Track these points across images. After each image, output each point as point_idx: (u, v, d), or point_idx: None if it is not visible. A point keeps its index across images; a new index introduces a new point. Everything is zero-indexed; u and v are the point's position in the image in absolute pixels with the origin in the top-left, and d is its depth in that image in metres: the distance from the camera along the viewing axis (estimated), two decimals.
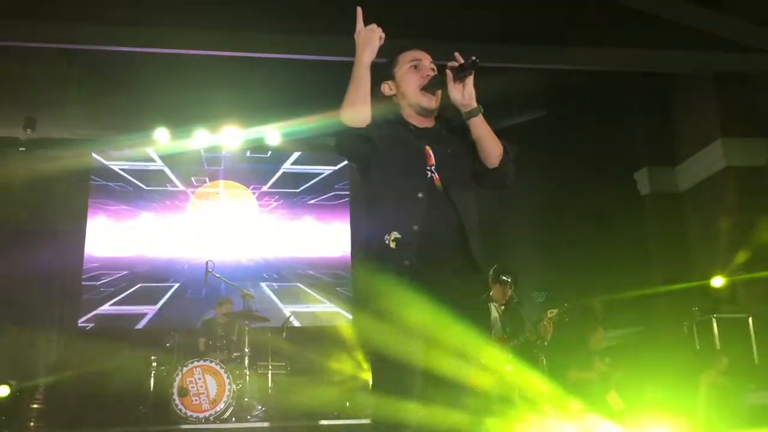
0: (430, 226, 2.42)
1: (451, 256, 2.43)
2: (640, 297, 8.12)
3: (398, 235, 2.40)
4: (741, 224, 7.51)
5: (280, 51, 6.50)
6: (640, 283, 8.31)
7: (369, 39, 2.46)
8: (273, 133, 9.21)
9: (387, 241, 2.40)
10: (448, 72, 2.44)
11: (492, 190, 2.63)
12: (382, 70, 2.64)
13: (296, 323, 8.37)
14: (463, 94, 2.46)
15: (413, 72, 2.58)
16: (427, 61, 2.61)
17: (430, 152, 2.51)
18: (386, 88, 2.64)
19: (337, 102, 2.48)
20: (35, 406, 6.97)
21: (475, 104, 2.48)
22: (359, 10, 2.48)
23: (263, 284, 9.55)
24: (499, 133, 2.59)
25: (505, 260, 5.89)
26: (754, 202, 7.56)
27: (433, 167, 2.49)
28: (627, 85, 8.70)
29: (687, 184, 8.39)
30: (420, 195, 2.44)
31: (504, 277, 5.54)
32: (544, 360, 5.17)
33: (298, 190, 10.07)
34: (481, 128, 2.52)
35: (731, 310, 6.93)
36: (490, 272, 5.78)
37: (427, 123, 2.59)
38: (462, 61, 2.43)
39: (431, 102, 2.55)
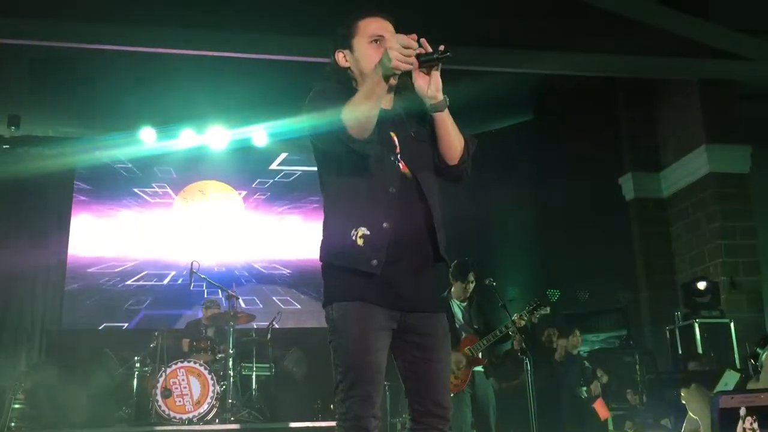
0: (400, 223, 2.26)
1: (418, 253, 2.29)
2: (623, 301, 8.20)
3: (366, 232, 2.23)
4: (724, 230, 7.59)
5: (268, 51, 6.51)
6: (624, 287, 8.38)
7: (411, 58, 2.15)
8: (260, 134, 9.19)
9: (354, 238, 2.23)
10: (414, 60, 2.17)
11: (447, 182, 2.45)
12: (337, 37, 2.42)
13: (281, 324, 8.33)
14: (429, 84, 2.25)
15: (374, 47, 2.33)
16: (389, 36, 2.35)
17: (395, 138, 2.33)
18: (341, 58, 2.41)
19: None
20: (17, 405, 6.91)
21: (441, 97, 2.27)
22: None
23: (248, 285, 9.52)
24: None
25: (466, 257, 5.72)
26: (737, 208, 7.64)
27: (399, 155, 2.33)
28: (612, 91, 8.78)
29: (671, 189, 8.46)
30: (392, 190, 2.27)
31: (488, 281, 5.50)
32: (529, 365, 5.15)
33: (284, 191, 10.05)
34: (445, 123, 2.34)
35: (713, 315, 6.99)
36: (451, 269, 5.63)
37: (386, 104, 2.34)
38: (429, 49, 2.17)
39: (393, 80, 2.26)
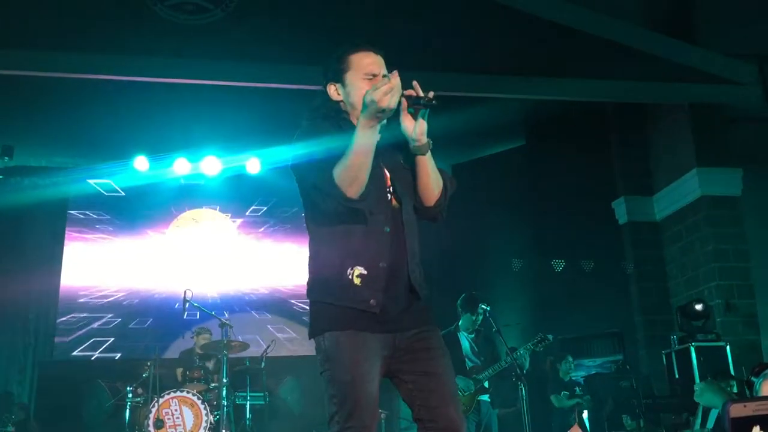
0: (394, 261, 2.27)
1: (405, 288, 2.30)
2: (619, 325, 8.18)
3: (363, 271, 2.23)
4: (717, 253, 7.60)
5: (262, 80, 6.54)
6: (619, 310, 8.37)
7: (393, 102, 2.12)
8: (253, 162, 9.20)
9: (350, 277, 2.23)
10: (403, 101, 2.20)
11: (421, 220, 2.45)
12: (329, 70, 2.43)
13: (275, 353, 8.27)
14: (415, 127, 2.26)
15: (368, 82, 2.32)
16: (381, 72, 2.37)
17: (386, 172, 2.35)
18: (334, 91, 2.42)
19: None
20: None
21: (425, 140, 2.29)
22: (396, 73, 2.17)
23: (242, 313, 9.47)
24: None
25: (474, 289, 5.87)
26: (730, 231, 7.66)
27: (390, 189, 2.34)
28: (604, 116, 8.84)
29: (664, 213, 8.48)
30: (387, 229, 2.29)
31: (483, 306, 5.53)
32: (524, 389, 5.15)
33: (278, 219, 10.04)
34: (426, 166, 2.34)
35: (709, 338, 6.97)
36: (459, 302, 5.76)
37: None
38: (420, 93, 2.20)
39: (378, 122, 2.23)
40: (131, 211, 9.68)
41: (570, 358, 7.36)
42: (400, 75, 2.16)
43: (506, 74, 6.73)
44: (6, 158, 8.50)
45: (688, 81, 7.08)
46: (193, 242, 9.79)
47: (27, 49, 5.98)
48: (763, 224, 7.90)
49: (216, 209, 10.00)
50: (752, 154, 7.80)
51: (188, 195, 9.81)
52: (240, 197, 10.01)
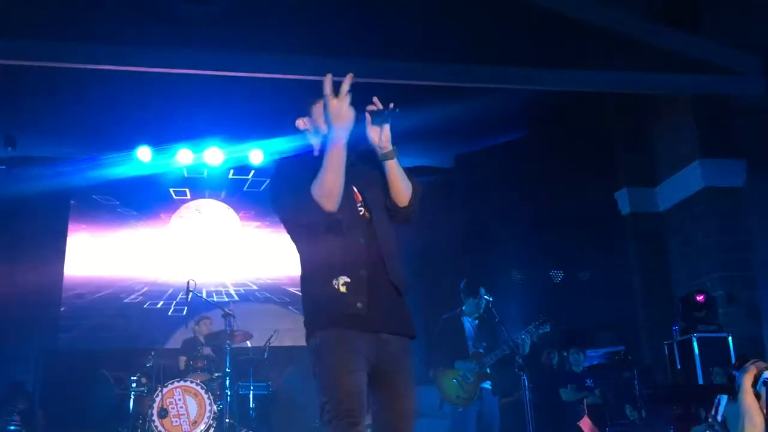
0: (372, 268, 2.49)
1: (387, 288, 2.51)
2: (621, 316, 8.19)
3: (347, 279, 2.44)
4: (720, 244, 7.60)
5: (264, 70, 6.53)
6: (621, 301, 8.38)
7: (346, 114, 2.41)
8: (256, 152, 9.19)
9: (336, 286, 2.44)
10: (367, 115, 2.49)
11: (397, 223, 2.68)
12: (299, 106, 2.74)
13: (278, 343, 8.29)
14: (380, 136, 2.54)
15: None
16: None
17: (355, 189, 2.58)
18: (301, 123, 2.72)
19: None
20: (12, 428, 6.86)
21: (390, 147, 2.56)
22: (328, 76, 2.43)
23: (245, 303, 9.49)
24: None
25: (475, 274, 5.86)
26: (733, 222, 7.65)
27: (361, 204, 2.58)
28: (607, 107, 8.82)
29: (667, 204, 8.47)
30: (362, 241, 2.51)
31: (486, 297, 5.51)
32: (526, 379, 5.15)
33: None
34: (394, 170, 2.59)
35: (711, 329, 6.97)
36: (462, 286, 5.76)
37: None
38: (380, 106, 2.49)
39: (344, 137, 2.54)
40: (134, 201, 9.70)
41: (573, 350, 7.44)
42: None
43: (509, 65, 6.70)
44: (9, 148, 8.51)
45: (691, 72, 7.06)
46: (196, 233, 9.80)
47: (30, 39, 5.97)
48: (766, 215, 7.88)
49: (219, 199, 10.01)
50: (755, 146, 7.78)
51: (191, 185, 9.82)
52: (243, 188, 10.02)
